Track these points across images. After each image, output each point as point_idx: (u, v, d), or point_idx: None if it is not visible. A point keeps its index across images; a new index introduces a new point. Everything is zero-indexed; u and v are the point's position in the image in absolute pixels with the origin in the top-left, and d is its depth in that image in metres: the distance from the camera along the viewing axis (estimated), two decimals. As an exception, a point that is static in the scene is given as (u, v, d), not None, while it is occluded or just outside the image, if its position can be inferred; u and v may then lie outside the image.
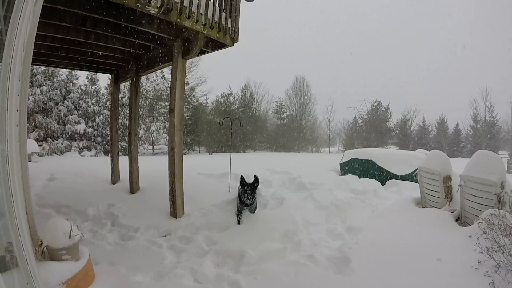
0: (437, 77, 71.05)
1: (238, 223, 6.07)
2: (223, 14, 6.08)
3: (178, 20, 5.20)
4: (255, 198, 6.29)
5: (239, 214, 6.21)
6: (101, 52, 7.51)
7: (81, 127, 28.54)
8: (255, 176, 6.37)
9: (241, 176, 6.35)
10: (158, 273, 4.40)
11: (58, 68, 25.57)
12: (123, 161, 9.03)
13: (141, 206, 6.82)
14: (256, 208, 6.44)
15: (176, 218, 6.20)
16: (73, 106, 28.98)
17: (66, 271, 3.52)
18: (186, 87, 32.98)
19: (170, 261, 4.76)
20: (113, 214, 6.53)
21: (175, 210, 6.25)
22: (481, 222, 3.98)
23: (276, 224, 5.86)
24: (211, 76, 45.23)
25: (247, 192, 6.01)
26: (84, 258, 3.94)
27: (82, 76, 31.36)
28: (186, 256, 4.89)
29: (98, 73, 26.99)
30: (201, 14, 5.53)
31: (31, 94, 25.63)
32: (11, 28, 2.88)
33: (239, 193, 6.28)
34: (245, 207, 6.20)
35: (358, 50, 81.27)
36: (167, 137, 7.37)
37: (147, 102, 33.44)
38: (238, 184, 6.51)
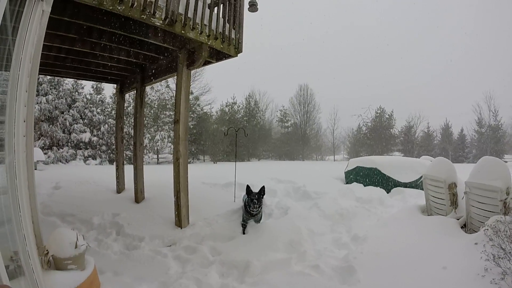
0: (440, 82, 70.92)
1: (243, 233, 6.06)
2: (227, 25, 6.13)
3: (183, 32, 5.25)
4: (261, 208, 6.28)
5: (244, 224, 6.21)
6: (106, 63, 7.58)
7: (86, 136, 28.64)
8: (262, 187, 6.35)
9: (247, 185, 6.32)
10: (163, 283, 4.40)
11: (64, 77, 25.79)
12: (128, 170, 9.06)
13: (146, 216, 6.83)
14: (261, 218, 6.42)
15: (181, 228, 6.20)
16: (79, 115, 29.11)
17: (72, 281, 3.53)
18: (191, 97, 33.05)
19: (175, 271, 4.76)
20: (118, 224, 6.53)
21: (180, 220, 6.25)
22: (487, 229, 3.95)
23: (281, 234, 5.85)
24: (216, 85, 45.53)
25: (254, 202, 5.99)
26: (89, 267, 3.95)
27: (87, 86, 31.56)
28: (191, 266, 4.89)
29: (103, 83, 27.20)
30: (205, 25, 5.58)
31: (37, 103, 25.81)
32: (18, 41, 2.93)
33: (244, 202, 6.27)
34: (251, 217, 6.19)
35: (361, 57, 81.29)
36: (172, 146, 7.39)
37: (152, 111, 33.57)
38: (244, 193, 6.50)
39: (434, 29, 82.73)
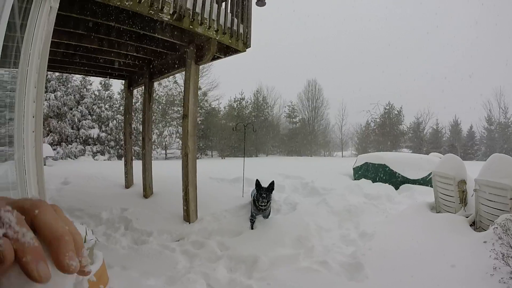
0: (449, 77, 70.02)
1: (252, 228, 6.05)
2: (235, 20, 6.11)
3: (191, 27, 5.24)
4: (270, 203, 6.26)
5: (252, 219, 6.19)
6: (114, 59, 7.60)
7: (94, 132, 28.87)
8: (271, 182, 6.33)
9: (257, 179, 6.26)
10: (171, 277, 4.41)
11: (72, 74, 25.95)
12: (137, 165, 9.09)
13: (154, 211, 6.86)
14: (270, 213, 6.41)
15: (189, 223, 6.22)
16: (87, 111, 29.33)
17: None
18: (199, 92, 33.07)
19: (183, 265, 4.77)
20: (126, 218, 6.57)
21: (188, 214, 6.27)
22: (496, 227, 3.91)
23: (289, 229, 5.85)
24: (224, 81, 45.47)
25: (263, 197, 5.96)
26: (98, 262, 3.96)
27: (95, 82, 31.77)
28: (199, 261, 4.90)
29: (111, 79, 27.29)
30: (213, 20, 5.56)
31: (46, 99, 26.00)
32: (26, 37, 2.93)
33: (253, 197, 6.23)
34: (259, 212, 6.16)
35: (369, 53, 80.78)
36: (180, 141, 7.40)
37: (160, 107, 33.71)
38: (252, 188, 6.49)
39: (442, 26, 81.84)
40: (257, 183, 6.19)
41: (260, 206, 6.02)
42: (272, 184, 6.20)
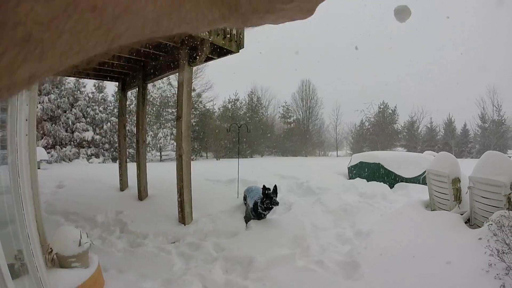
0: (443, 76, 70.23)
1: (246, 227, 6.03)
2: (228, 21, 6.10)
3: (184, 28, 5.22)
4: None
5: (247, 219, 6.17)
6: (107, 61, 7.55)
7: (89, 135, 28.72)
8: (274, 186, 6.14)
9: (264, 186, 6.02)
10: (167, 280, 4.40)
11: (65, 76, 25.80)
12: (131, 168, 9.06)
13: (149, 213, 6.84)
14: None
15: (184, 225, 6.20)
16: (81, 114, 29.18)
17: (76, 279, 3.54)
18: (193, 94, 33.03)
19: (179, 267, 4.76)
20: (121, 221, 6.54)
21: (183, 216, 6.25)
22: (491, 224, 3.93)
23: (285, 229, 5.85)
24: (218, 82, 45.34)
25: (269, 208, 5.87)
26: (93, 265, 3.96)
27: (89, 84, 31.58)
28: (195, 263, 4.90)
29: (105, 81, 27.20)
30: (206, 21, 5.55)
31: (39, 102, 25.85)
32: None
33: (255, 203, 6.03)
34: (258, 218, 6.09)
35: (363, 52, 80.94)
36: (175, 143, 7.38)
37: (154, 109, 33.61)
38: (246, 189, 6.45)
39: (436, 26, 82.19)
40: (265, 190, 5.95)
41: (263, 213, 5.95)
42: (275, 190, 6.02)
